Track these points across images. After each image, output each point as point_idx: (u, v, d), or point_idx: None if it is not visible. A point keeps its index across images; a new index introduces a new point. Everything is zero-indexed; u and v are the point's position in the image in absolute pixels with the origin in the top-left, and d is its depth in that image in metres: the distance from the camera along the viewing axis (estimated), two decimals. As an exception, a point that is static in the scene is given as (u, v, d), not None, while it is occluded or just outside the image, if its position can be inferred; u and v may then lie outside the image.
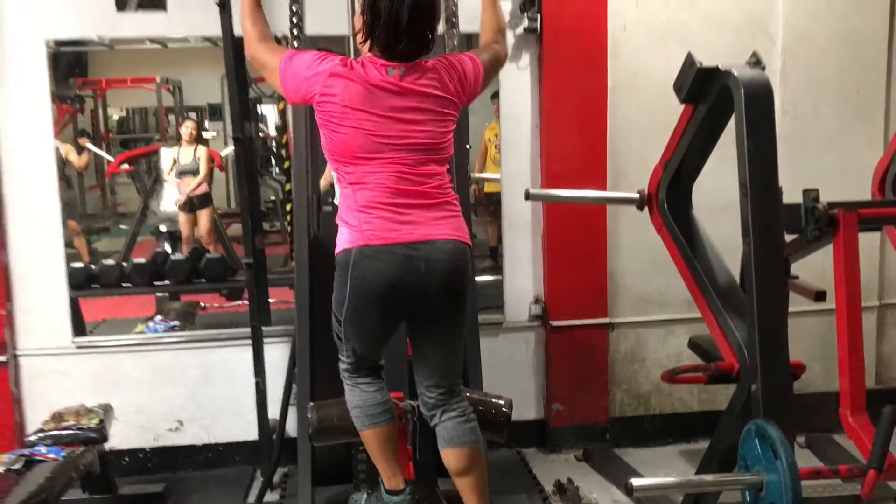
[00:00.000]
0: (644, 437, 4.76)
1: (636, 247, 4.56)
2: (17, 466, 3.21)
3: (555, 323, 4.60)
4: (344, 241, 2.61)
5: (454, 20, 3.54)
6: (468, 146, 3.89)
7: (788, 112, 4.61)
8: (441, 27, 3.55)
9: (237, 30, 3.91)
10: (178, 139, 7.66)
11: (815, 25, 4.57)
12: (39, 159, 4.24)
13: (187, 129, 7.61)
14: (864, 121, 4.67)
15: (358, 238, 2.56)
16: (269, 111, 9.82)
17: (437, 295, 2.60)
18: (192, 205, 7.54)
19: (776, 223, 2.92)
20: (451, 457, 2.74)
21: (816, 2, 4.57)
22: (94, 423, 3.73)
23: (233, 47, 4.02)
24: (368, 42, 2.59)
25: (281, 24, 3.53)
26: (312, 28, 3.66)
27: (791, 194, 3.15)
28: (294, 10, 3.44)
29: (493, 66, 2.83)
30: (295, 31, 3.45)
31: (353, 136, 2.54)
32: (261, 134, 9.50)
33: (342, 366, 2.78)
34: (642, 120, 4.45)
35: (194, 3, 4.14)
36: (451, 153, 2.71)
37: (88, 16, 4.16)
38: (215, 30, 3.96)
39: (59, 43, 4.45)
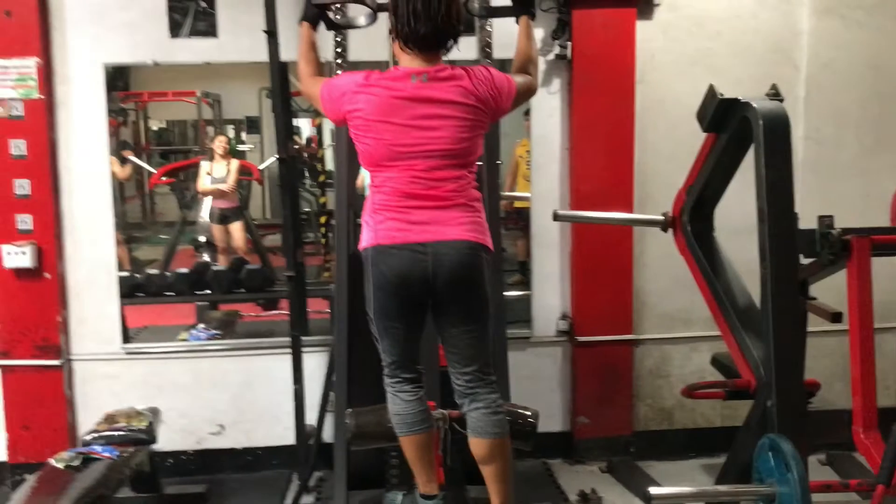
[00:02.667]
0: (667, 450, 4.88)
1: (661, 266, 4.69)
2: (75, 463, 3.44)
3: (581, 338, 4.76)
4: (363, 239, 2.79)
5: (488, 50, 3.73)
6: (499, 162, 4.05)
7: (812, 138, 4.75)
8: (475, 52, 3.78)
9: (283, 55, 4.23)
10: (211, 155, 7.85)
11: (839, 55, 4.70)
12: (95, 176, 4.51)
13: (220, 143, 7.82)
14: (886, 148, 4.78)
15: (372, 237, 2.74)
16: (303, 124, 10.04)
17: (445, 286, 2.73)
18: (223, 217, 7.76)
19: (791, 248, 3.08)
20: (475, 446, 2.88)
21: (840, 32, 4.70)
22: (143, 425, 3.96)
23: (279, 72, 4.28)
24: (397, 41, 2.75)
25: (328, 52, 3.75)
26: (356, 55, 3.88)
27: (813, 218, 3.30)
28: (338, 40, 3.66)
29: (525, 93, 2.97)
30: (339, 60, 3.67)
31: (376, 147, 2.71)
32: (295, 146, 9.71)
33: (385, 373, 2.94)
34: (669, 144, 4.60)
35: (243, 30, 4.39)
36: (475, 157, 2.81)
37: (144, 42, 4.43)
38: (263, 56, 4.20)
39: (116, 67, 4.71)
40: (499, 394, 2.91)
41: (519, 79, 2.92)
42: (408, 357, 2.90)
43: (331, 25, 3.18)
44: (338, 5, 3.27)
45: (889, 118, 4.80)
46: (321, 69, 3.00)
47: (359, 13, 3.17)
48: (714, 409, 4.93)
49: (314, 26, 3.04)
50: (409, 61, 2.74)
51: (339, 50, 3.68)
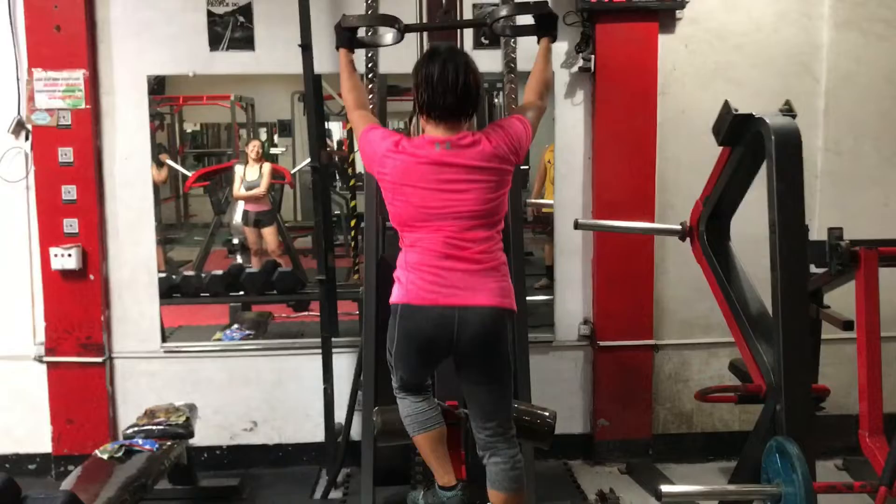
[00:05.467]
0: (685, 453, 5.00)
1: (682, 274, 4.80)
2: (119, 455, 3.65)
3: (602, 343, 4.89)
4: (394, 294, 2.90)
5: (512, 66, 3.88)
6: (526, 167, 4.18)
7: (831, 149, 4.85)
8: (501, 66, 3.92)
9: (317, 68, 4.42)
10: (245, 159, 8.04)
11: (858, 67, 4.79)
12: (137, 182, 4.74)
13: (253, 147, 8.04)
14: (906, 159, 4.88)
15: (403, 295, 2.85)
16: (335, 128, 10.21)
17: (469, 349, 2.85)
18: (256, 221, 7.95)
19: (801, 258, 3.20)
20: (493, 497, 3.02)
21: (859, 45, 4.79)
22: (181, 420, 4.16)
23: (312, 83, 4.48)
24: (422, 113, 2.87)
25: (361, 65, 3.92)
26: (385, 67, 4.06)
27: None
28: (370, 55, 3.85)
29: (538, 122, 3.07)
30: (370, 75, 3.86)
31: (404, 208, 2.83)
32: (327, 149, 9.89)
33: (394, 384, 3.10)
34: (690, 155, 4.70)
35: (279, 44, 4.59)
36: (501, 215, 2.90)
37: (185, 54, 4.64)
38: (298, 68, 4.42)
39: (158, 78, 4.93)
40: (518, 449, 3.04)
41: (531, 113, 3.02)
42: (418, 382, 3.06)
43: (360, 44, 3.33)
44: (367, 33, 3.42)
45: (909, 130, 4.88)
46: (364, 96, 3.17)
47: (385, 32, 3.34)
48: (732, 413, 5.03)
49: (351, 50, 3.19)
50: (433, 130, 2.85)
51: (370, 65, 3.87)
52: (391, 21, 3.20)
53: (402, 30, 3.20)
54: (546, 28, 3.15)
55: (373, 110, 3.49)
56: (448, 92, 2.79)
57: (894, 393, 4.39)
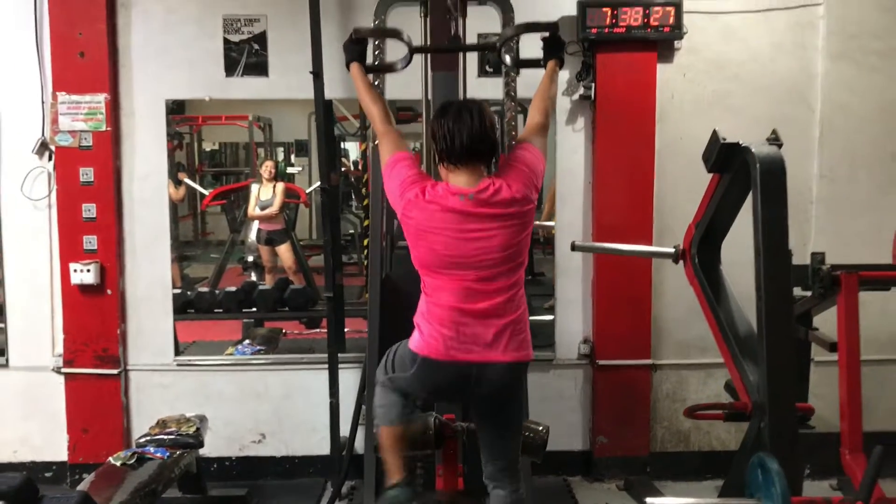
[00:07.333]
0: (683, 471, 5.09)
1: (679, 295, 4.88)
2: (131, 462, 3.82)
3: (601, 362, 5.02)
4: (413, 341, 2.92)
5: (512, 94, 4.05)
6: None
7: (826, 176, 4.97)
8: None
9: (328, 94, 4.61)
10: (260, 179, 8.27)
11: (852, 97, 4.92)
12: (155, 201, 4.94)
13: (267, 168, 8.25)
14: (898, 186, 5.00)
15: (423, 347, 2.87)
16: (351, 147, 10.39)
17: (485, 402, 2.97)
18: (269, 239, 8.14)
19: (785, 281, 3.33)
20: None
21: (853, 76, 4.92)
22: (192, 430, 4.32)
23: (323, 109, 4.67)
24: (441, 162, 2.90)
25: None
26: (391, 94, 4.26)
27: (828, 252, 3.57)
28: (377, 83, 4.03)
29: (546, 143, 3.10)
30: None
31: (428, 253, 2.85)
32: (342, 168, 10.07)
33: (381, 376, 3.08)
34: (687, 180, 4.79)
35: (292, 70, 4.80)
36: (526, 253, 2.92)
37: (202, 80, 4.87)
38: (309, 94, 4.62)
39: (176, 102, 5.14)
40: (521, 482, 3.14)
41: (538, 140, 3.05)
42: (412, 397, 3.06)
43: (367, 69, 3.36)
44: (375, 50, 3.53)
45: (901, 157, 5.00)
46: (386, 107, 3.16)
47: (394, 57, 3.46)
48: (729, 432, 5.13)
49: (362, 63, 3.23)
50: (455, 178, 2.86)
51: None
52: (399, 34, 3.29)
53: (411, 47, 3.30)
54: (554, 51, 3.25)
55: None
56: (464, 137, 2.81)
57: (889, 413, 4.54)
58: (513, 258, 2.87)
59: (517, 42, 3.70)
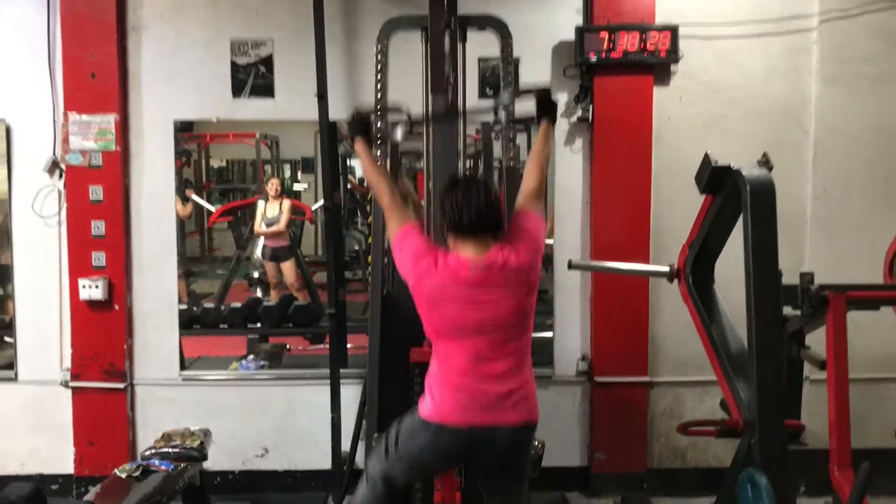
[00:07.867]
0: (679, 488, 5.15)
1: (676, 313, 4.90)
2: (136, 474, 3.89)
3: (599, 379, 5.10)
4: (424, 408, 3.02)
5: (511, 119, 4.14)
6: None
7: (820, 197, 5.06)
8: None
9: (332, 115, 4.73)
10: (266, 196, 8.38)
11: (845, 120, 5.02)
12: (162, 218, 5.05)
13: (272, 185, 8.36)
14: (891, 206, 5.05)
15: (435, 413, 2.97)
16: (356, 164, 10.48)
17: (494, 462, 3.06)
18: (274, 256, 8.24)
19: (775, 301, 3.41)
20: None
21: (846, 99, 5.02)
22: (196, 443, 4.38)
23: (327, 130, 4.79)
24: (451, 234, 3.03)
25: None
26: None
27: (822, 271, 3.67)
28: (378, 153, 4.06)
29: (544, 204, 3.30)
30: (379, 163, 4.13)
31: (441, 322, 2.97)
32: (348, 185, 10.19)
33: (373, 472, 3.11)
34: (683, 200, 4.83)
35: (297, 92, 4.92)
36: (533, 312, 3.04)
37: (209, 101, 5.00)
38: (314, 115, 4.74)
39: (184, 122, 5.27)
40: None
41: (536, 206, 3.18)
42: (409, 485, 3.26)
43: (372, 139, 3.54)
44: (378, 121, 3.75)
45: (894, 178, 5.08)
46: (390, 181, 3.29)
47: (396, 128, 3.68)
48: (726, 449, 5.16)
49: (367, 137, 3.41)
50: (465, 248, 2.98)
51: (378, 153, 4.03)
52: (398, 109, 3.54)
53: (410, 118, 3.55)
54: (547, 111, 3.40)
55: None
56: (472, 212, 2.94)
57: (883, 431, 4.59)
58: (522, 321, 3.00)
59: (513, 102, 3.93)
